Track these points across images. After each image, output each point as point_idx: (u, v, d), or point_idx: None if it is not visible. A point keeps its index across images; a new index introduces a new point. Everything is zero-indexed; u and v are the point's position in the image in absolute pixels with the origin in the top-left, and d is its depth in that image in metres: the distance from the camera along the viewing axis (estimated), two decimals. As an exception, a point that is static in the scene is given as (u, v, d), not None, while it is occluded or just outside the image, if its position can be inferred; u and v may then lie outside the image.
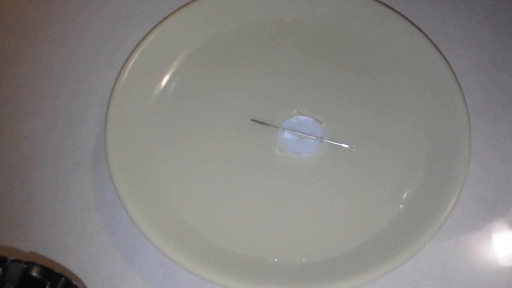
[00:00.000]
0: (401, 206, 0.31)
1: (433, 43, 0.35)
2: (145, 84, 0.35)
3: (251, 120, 0.33)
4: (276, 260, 0.30)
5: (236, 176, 0.33)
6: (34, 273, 0.25)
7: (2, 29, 0.41)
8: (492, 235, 0.32)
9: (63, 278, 0.26)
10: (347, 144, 0.33)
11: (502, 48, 0.38)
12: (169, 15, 0.37)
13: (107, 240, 0.32)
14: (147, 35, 0.36)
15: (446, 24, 0.39)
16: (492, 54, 0.38)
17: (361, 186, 0.32)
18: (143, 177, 0.32)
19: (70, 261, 0.31)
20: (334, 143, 0.33)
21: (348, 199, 0.32)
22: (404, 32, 0.36)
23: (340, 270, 0.29)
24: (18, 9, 0.41)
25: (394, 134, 0.34)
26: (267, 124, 0.33)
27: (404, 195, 0.32)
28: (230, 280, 0.28)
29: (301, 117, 0.35)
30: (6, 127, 0.36)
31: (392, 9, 0.36)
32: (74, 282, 0.26)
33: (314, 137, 0.34)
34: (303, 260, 0.30)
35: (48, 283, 0.25)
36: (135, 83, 0.35)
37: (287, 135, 0.34)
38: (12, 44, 0.40)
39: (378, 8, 0.36)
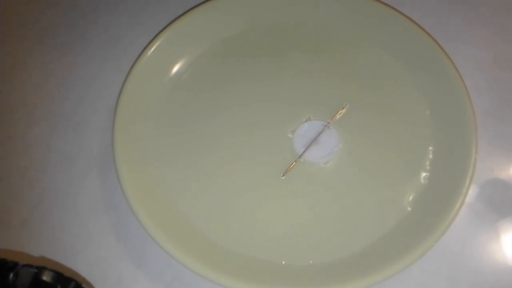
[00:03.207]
0: (408, 208, 0.32)
1: (438, 43, 0.35)
2: (151, 88, 0.36)
3: (282, 176, 0.33)
4: (283, 262, 0.30)
5: (243, 180, 0.33)
6: (45, 278, 0.25)
7: (9, 35, 0.41)
8: (499, 235, 0.32)
9: (73, 282, 0.26)
10: (341, 109, 0.34)
11: (507, 47, 0.38)
12: (174, 20, 0.37)
13: (116, 243, 0.32)
14: (153, 40, 0.36)
15: (450, 23, 0.39)
16: (497, 53, 0.38)
17: (368, 189, 0.32)
18: (151, 180, 0.33)
19: (79, 265, 0.32)
20: (336, 117, 0.34)
21: (355, 201, 0.32)
22: (409, 33, 0.36)
23: (347, 272, 0.29)
24: (25, 15, 0.42)
25: (399, 135, 0.34)
26: (293, 163, 0.33)
27: (411, 197, 0.32)
28: (237, 282, 0.28)
29: (299, 129, 0.34)
30: (15, 132, 0.37)
31: (397, 10, 0.36)
32: (84, 285, 0.27)
33: (323, 127, 0.34)
34: (310, 262, 0.30)
35: (59, 287, 0.25)
36: (141, 87, 0.35)
37: (313, 151, 0.33)
38: (20, 50, 0.40)
39: (382, 9, 0.36)
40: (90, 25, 0.41)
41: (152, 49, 0.36)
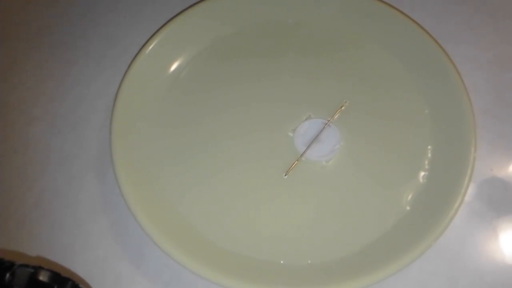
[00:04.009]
0: (407, 207, 0.31)
1: (437, 42, 0.35)
2: (149, 87, 0.36)
3: (285, 175, 0.33)
4: (282, 262, 0.30)
5: (242, 179, 0.33)
6: (42, 278, 0.25)
7: (7, 33, 0.41)
8: (498, 235, 0.32)
9: (70, 282, 0.26)
10: (341, 106, 0.34)
11: (507, 47, 0.38)
12: (172, 18, 0.37)
13: (114, 244, 0.32)
14: (151, 38, 0.36)
15: (450, 23, 0.39)
16: (497, 53, 0.37)
17: (367, 188, 0.32)
18: (149, 180, 0.33)
19: (77, 265, 0.32)
20: (335, 116, 0.34)
21: (354, 200, 0.32)
22: (409, 32, 0.35)
23: (346, 271, 0.29)
24: (23, 14, 0.42)
25: (398, 134, 0.34)
26: (295, 162, 0.33)
27: (410, 196, 0.32)
28: (236, 282, 0.28)
29: (300, 128, 0.34)
30: (13, 131, 0.37)
31: (397, 9, 0.36)
32: (81, 285, 0.27)
33: (323, 125, 0.34)
34: (309, 261, 0.30)
35: (56, 287, 0.25)
36: (139, 86, 0.35)
37: (315, 150, 0.33)
38: (18, 48, 0.40)
39: (382, 8, 0.36)
40: (89, 24, 0.41)
41: (150, 48, 0.36)
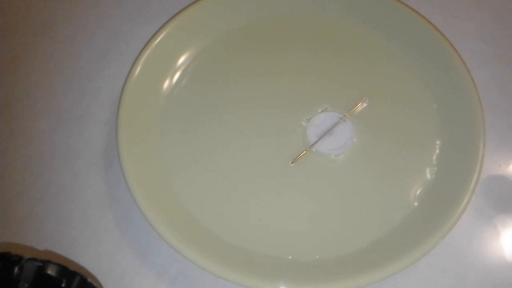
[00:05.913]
0: (415, 203, 0.31)
1: (445, 37, 0.34)
2: (155, 81, 0.35)
3: (291, 163, 0.33)
4: (290, 257, 0.30)
5: (249, 174, 0.33)
6: (50, 271, 0.25)
7: (11, 27, 0.41)
8: (506, 231, 0.32)
9: (78, 276, 0.26)
10: (361, 103, 0.34)
11: (515, 41, 0.38)
12: (178, 13, 0.37)
13: (121, 238, 0.32)
14: (157, 33, 0.36)
15: (458, 18, 0.39)
16: (505, 47, 0.37)
17: (376, 184, 0.32)
18: (155, 174, 0.32)
19: (84, 259, 0.32)
20: (355, 110, 0.34)
21: (363, 196, 0.32)
22: (416, 27, 0.35)
23: (354, 267, 0.29)
24: (27, 8, 0.41)
25: (406, 130, 0.34)
26: (304, 151, 0.33)
27: (418, 192, 0.32)
28: (243, 276, 0.28)
29: (315, 119, 0.34)
30: (17, 126, 0.36)
31: (404, 3, 0.36)
32: (89, 279, 0.26)
33: (339, 119, 0.34)
34: (317, 257, 0.30)
35: (64, 281, 0.25)
36: (145, 80, 0.35)
37: (326, 142, 0.33)
38: (22, 43, 0.40)
39: (389, 3, 0.36)
40: (93, 17, 0.41)
41: (156, 42, 0.35)
